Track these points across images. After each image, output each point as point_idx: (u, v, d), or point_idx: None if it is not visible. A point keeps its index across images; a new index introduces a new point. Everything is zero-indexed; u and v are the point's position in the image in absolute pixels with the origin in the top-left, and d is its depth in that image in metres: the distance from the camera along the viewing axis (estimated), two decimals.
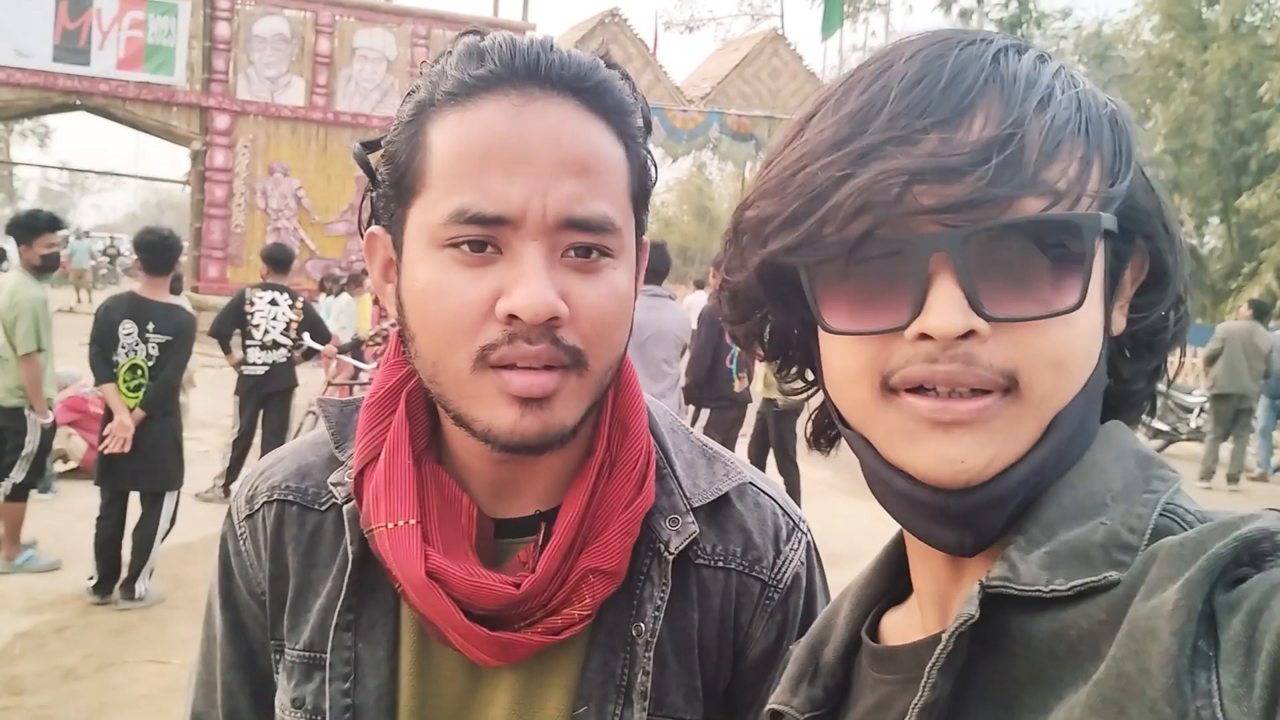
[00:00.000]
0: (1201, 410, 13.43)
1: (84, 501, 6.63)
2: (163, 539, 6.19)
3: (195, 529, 7.00)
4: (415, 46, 21.85)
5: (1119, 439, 0.75)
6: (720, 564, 1.08)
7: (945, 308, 0.67)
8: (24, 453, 6.47)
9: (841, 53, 32.15)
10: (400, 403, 1.05)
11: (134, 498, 6.18)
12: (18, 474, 6.45)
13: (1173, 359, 0.83)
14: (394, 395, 1.06)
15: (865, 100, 0.71)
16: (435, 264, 0.93)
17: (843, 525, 7.30)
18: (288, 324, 8.38)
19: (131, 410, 6.02)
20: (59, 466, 8.92)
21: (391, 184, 0.98)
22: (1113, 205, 0.70)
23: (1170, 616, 0.59)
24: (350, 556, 1.05)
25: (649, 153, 1.04)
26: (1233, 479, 12.55)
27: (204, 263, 20.66)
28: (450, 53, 0.98)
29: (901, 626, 0.85)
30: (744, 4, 38.30)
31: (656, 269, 6.51)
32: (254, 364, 8.35)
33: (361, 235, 1.05)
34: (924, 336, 0.68)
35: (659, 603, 1.04)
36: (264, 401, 8.41)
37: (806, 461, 10.52)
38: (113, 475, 6.11)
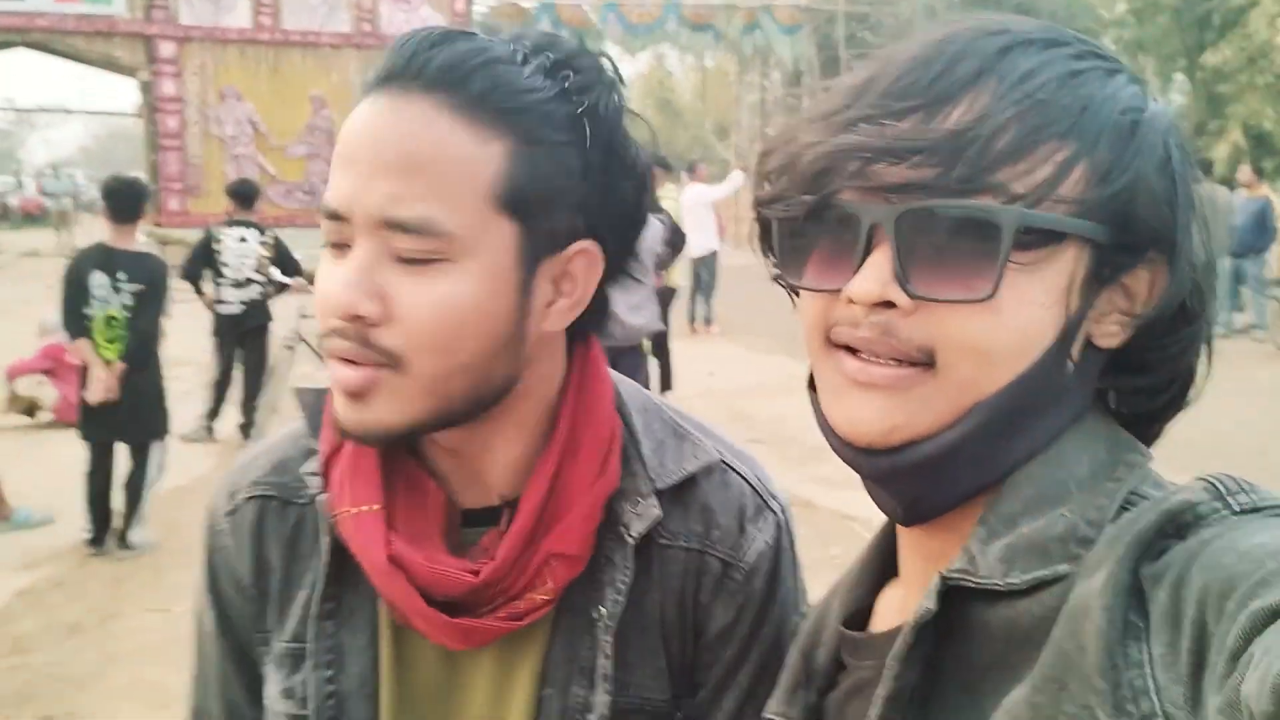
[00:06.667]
0: None
1: (67, 454, 6.59)
2: (152, 487, 6.20)
3: (185, 472, 7.01)
4: None
5: (1092, 425, 0.76)
6: (682, 543, 1.07)
7: (868, 276, 0.71)
8: None
9: None
10: None
11: (122, 447, 6.16)
12: None
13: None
14: None
15: (866, 76, 0.74)
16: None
17: None
18: (259, 260, 8.28)
19: (111, 363, 5.97)
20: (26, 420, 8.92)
21: None
22: (1096, 212, 0.70)
23: (1100, 593, 0.62)
24: (327, 545, 1.05)
25: (588, 145, 0.96)
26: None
27: (164, 196, 20.21)
28: None
29: (895, 604, 0.87)
30: None
31: None
32: (228, 303, 8.28)
33: None
34: (852, 300, 0.72)
35: (620, 586, 1.04)
36: (241, 340, 8.37)
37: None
38: (97, 428, 6.09)
